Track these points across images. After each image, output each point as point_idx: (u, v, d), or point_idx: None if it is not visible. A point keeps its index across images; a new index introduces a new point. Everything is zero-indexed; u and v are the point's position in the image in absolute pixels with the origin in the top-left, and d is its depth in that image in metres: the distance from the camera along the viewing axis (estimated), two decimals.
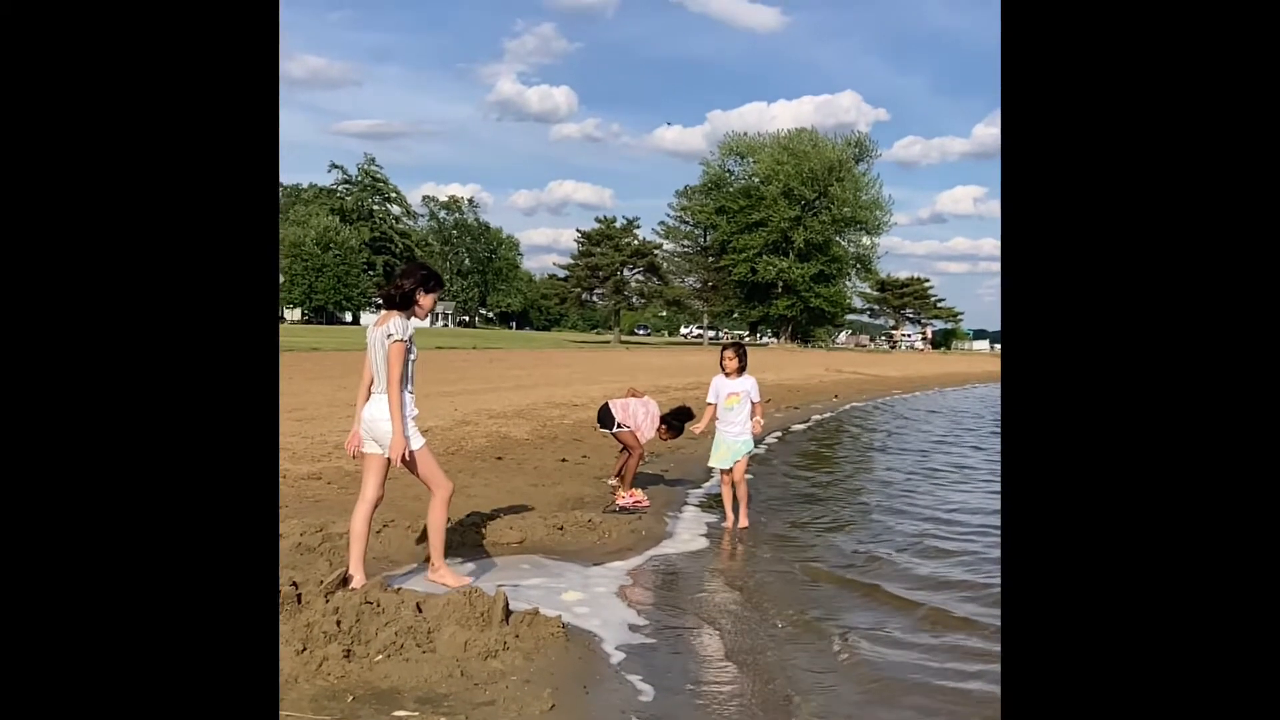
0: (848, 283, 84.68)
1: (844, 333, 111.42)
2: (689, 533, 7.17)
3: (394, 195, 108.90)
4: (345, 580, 4.58)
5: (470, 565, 5.61)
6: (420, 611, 4.13)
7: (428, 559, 5.70)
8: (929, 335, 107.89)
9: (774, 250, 76.89)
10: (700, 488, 9.18)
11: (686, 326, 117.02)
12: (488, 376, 23.51)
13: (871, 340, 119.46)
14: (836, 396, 24.91)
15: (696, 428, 7.97)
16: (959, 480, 10.68)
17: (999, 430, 1.97)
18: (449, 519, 5.41)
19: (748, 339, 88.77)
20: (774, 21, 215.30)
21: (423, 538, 6.06)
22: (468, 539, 6.24)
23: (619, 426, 8.08)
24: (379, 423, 4.78)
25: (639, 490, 8.11)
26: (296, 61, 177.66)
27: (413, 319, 4.90)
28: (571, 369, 29.23)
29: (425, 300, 4.92)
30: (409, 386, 4.84)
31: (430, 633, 4.02)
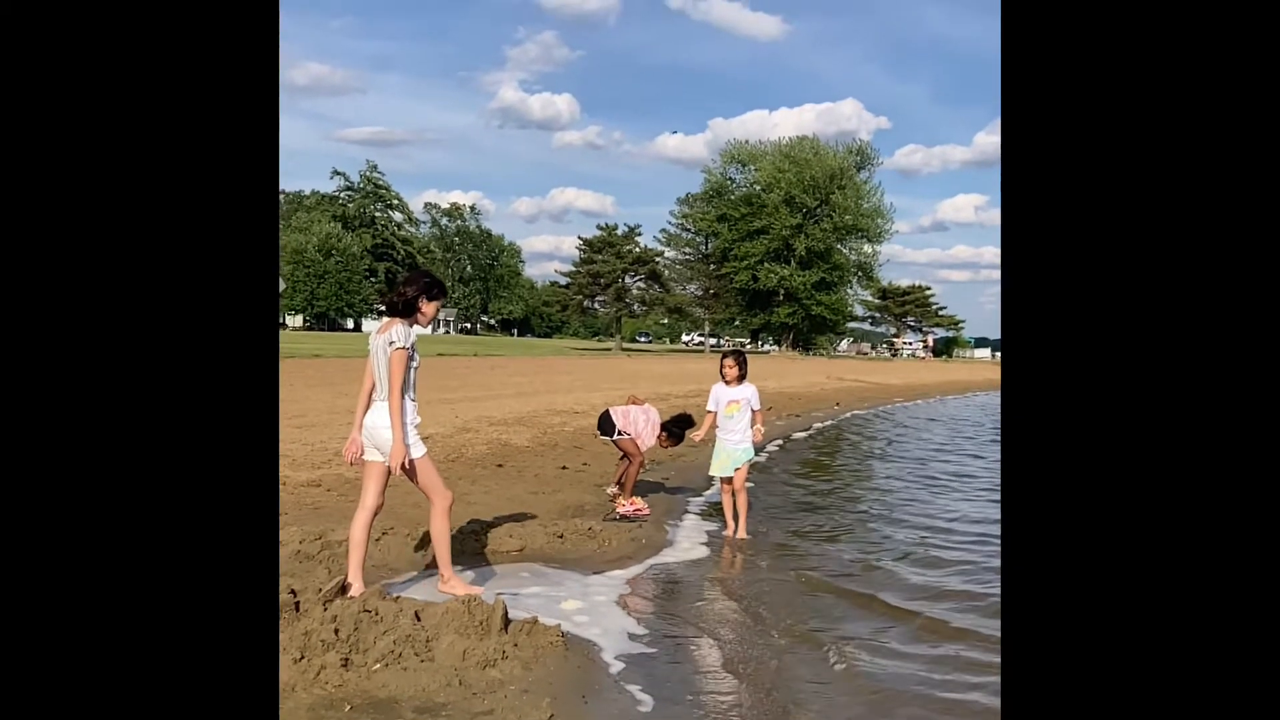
0: (849, 290, 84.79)
1: (845, 340, 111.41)
2: (689, 541, 7.15)
3: (396, 202, 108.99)
4: (344, 588, 4.57)
5: (470, 573, 5.59)
6: (419, 620, 4.11)
7: (427, 566, 5.70)
8: (930, 343, 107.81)
9: (775, 258, 76.93)
10: (701, 496, 9.16)
11: (688, 334, 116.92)
12: (489, 383, 23.50)
13: (873, 348, 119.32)
14: (838, 404, 24.88)
15: (697, 435, 7.96)
16: (958, 489, 10.66)
17: (998, 438, 1.96)
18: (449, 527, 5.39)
19: (749, 346, 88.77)
20: (775, 30, 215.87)
21: (421, 545, 6.05)
22: (467, 547, 6.22)
23: (619, 434, 8.06)
24: (380, 430, 4.76)
25: (639, 498, 8.09)
26: (299, 69, 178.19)
27: (415, 326, 4.89)
28: (573, 376, 29.21)
29: (428, 308, 4.92)
30: (411, 394, 4.83)
31: (429, 641, 4.00)
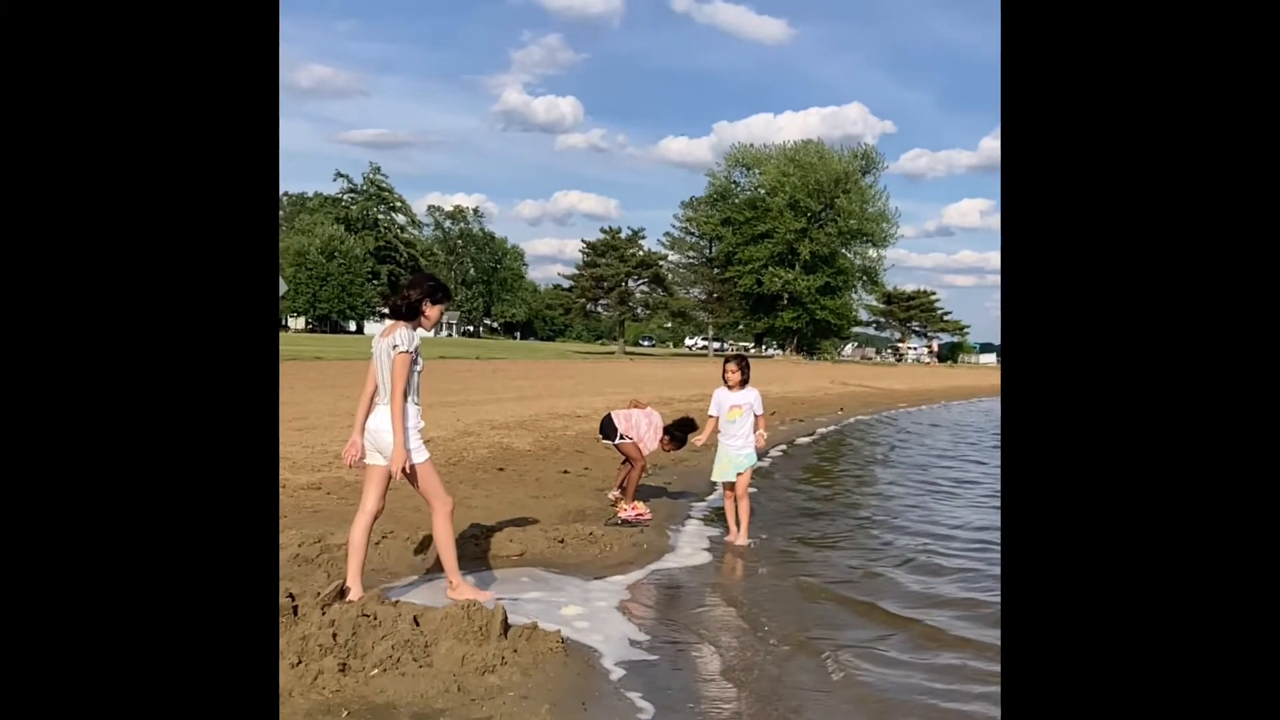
0: (854, 295, 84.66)
1: (850, 345, 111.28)
2: (691, 547, 7.12)
3: (399, 205, 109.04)
4: (342, 592, 4.55)
5: (470, 578, 5.56)
6: (417, 625, 4.09)
7: (428, 571, 5.68)
8: (935, 348, 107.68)
9: (780, 262, 76.83)
10: (703, 501, 9.13)
11: (691, 338, 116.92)
12: (491, 387, 23.50)
13: (877, 353, 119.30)
14: (842, 409, 24.86)
15: (698, 440, 7.93)
16: (960, 495, 10.63)
17: (999, 444, 1.94)
18: None
19: (752, 351, 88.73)
20: (781, 33, 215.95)
21: (420, 549, 6.03)
22: (467, 551, 6.19)
23: (621, 438, 8.04)
24: (383, 434, 4.75)
25: (641, 503, 8.07)
26: (303, 71, 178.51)
27: (419, 330, 4.88)
28: (575, 380, 29.21)
29: (432, 311, 4.90)
30: (415, 398, 4.81)
31: (427, 646, 3.98)
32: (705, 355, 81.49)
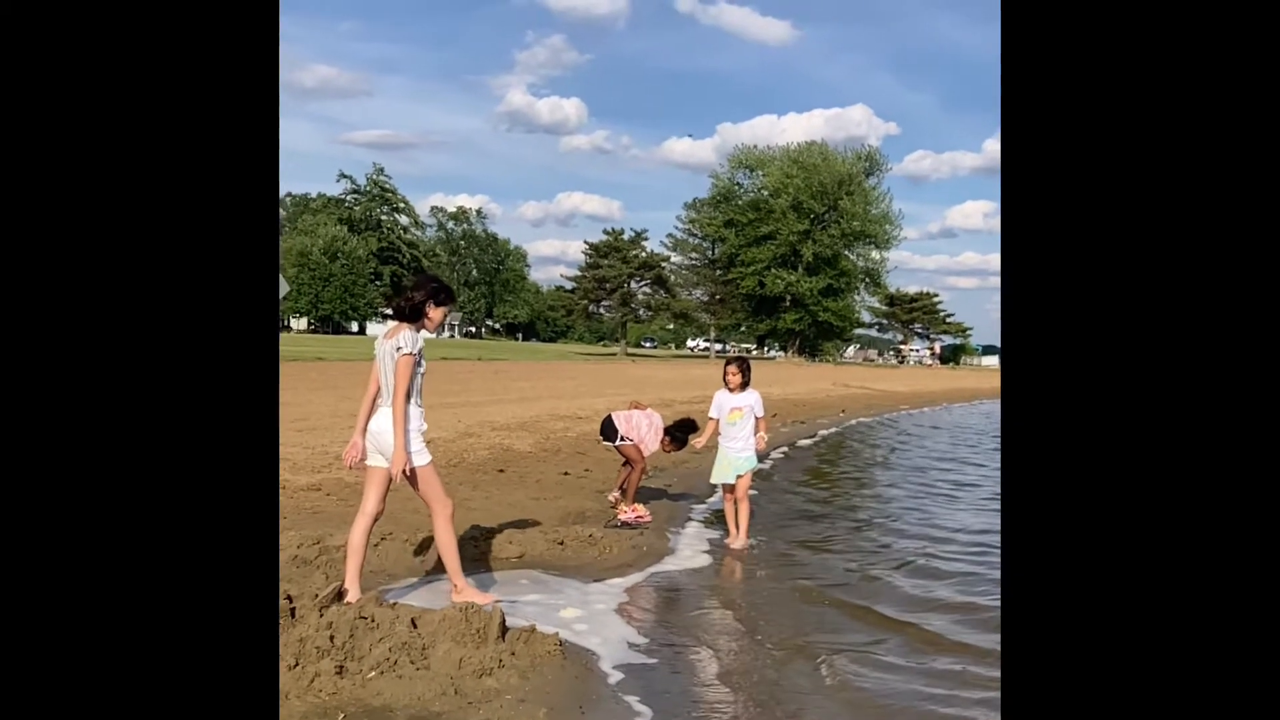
0: (856, 297, 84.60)
1: (852, 347, 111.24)
2: (691, 549, 7.10)
3: (402, 205, 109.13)
4: (340, 594, 4.54)
5: (469, 580, 5.55)
6: (415, 627, 4.08)
7: (427, 573, 5.67)
8: (938, 350, 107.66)
9: (782, 264, 76.82)
10: (704, 503, 9.12)
11: (693, 339, 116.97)
12: (492, 388, 23.50)
13: (880, 355, 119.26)
14: (843, 411, 24.84)
15: (698, 442, 7.91)
16: (960, 498, 10.61)
17: (999, 446, 1.93)
18: None
19: (754, 352, 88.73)
20: (785, 35, 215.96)
21: (420, 550, 6.02)
22: (466, 553, 6.18)
23: (622, 439, 8.03)
24: (384, 435, 4.73)
25: (641, 505, 8.05)
26: (306, 71, 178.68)
27: (422, 331, 4.86)
28: (577, 381, 29.21)
29: (435, 313, 4.89)
30: (418, 400, 4.80)
31: (425, 649, 3.97)
32: (707, 357, 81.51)
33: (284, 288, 15.50)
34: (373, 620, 4.05)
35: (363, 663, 3.83)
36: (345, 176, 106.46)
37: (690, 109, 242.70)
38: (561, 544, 6.54)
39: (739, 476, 7.25)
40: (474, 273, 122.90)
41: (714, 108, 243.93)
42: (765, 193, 78.66)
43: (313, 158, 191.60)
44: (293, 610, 4.05)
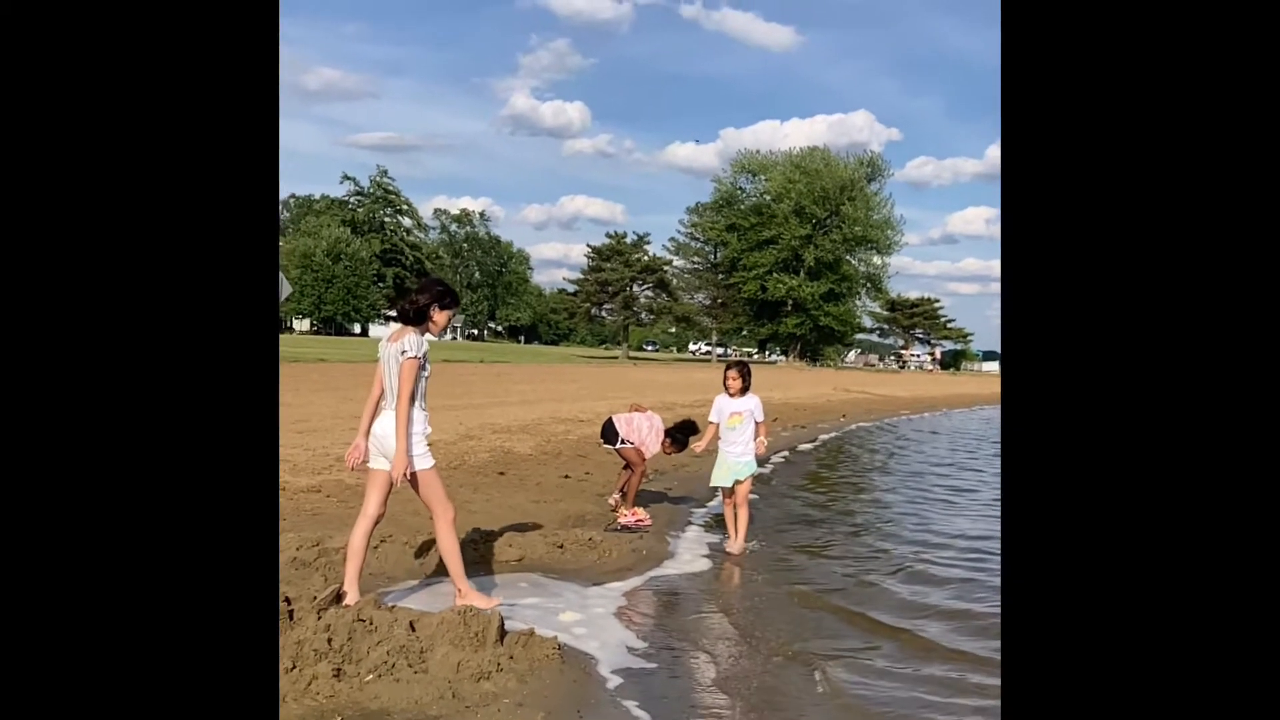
0: (857, 302, 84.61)
1: (853, 352, 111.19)
2: (690, 553, 7.09)
3: (405, 208, 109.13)
4: (339, 597, 4.53)
5: (472, 584, 5.54)
6: (413, 630, 4.07)
7: (427, 576, 5.66)
8: (938, 356, 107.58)
9: (784, 268, 76.84)
10: (704, 507, 9.11)
11: (695, 343, 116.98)
12: (493, 390, 23.50)
13: (880, 360, 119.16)
14: (844, 416, 24.82)
15: (698, 447, 7.88)
16: (958, 503, 10.60)
17: (999, 452, 1.93)
18: None
19: (756, 356, 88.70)
20: (788, 40, 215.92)
21: (420, 553, 6.01)
22: (466, 555, 6.15)
23: (623, 442, 8.02)
24: (388, 438, 4.72)
25: (641, 509, 8.05)
26: (311, 74, 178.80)
27: (426, 334, 4.85)
28: (578, 384, 29.21)
29: (439, 317, 4.87)
30: (422, 404, 4.78)
31: (423, 652, 3.96)
32: (709, 360, 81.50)
33: (287, 289, 15.49)
34: (371, 623, 4.04)
35: (360, 666, 3.82)
36: (349, 178, 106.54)
37: (693, 114, 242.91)
38: (561, 547, 6.53)
39: (739, 482, 7.23)
40: (476, 275, 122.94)
41: (717, 112, 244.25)
42: (767, 197, 78.68)
43: (316, 160, 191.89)
44: (291, 612, 4.04)
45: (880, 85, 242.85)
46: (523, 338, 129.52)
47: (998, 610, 5.49)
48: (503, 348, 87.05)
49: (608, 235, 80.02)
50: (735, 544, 7.21)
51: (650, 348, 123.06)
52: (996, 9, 1.94)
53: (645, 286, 79.56)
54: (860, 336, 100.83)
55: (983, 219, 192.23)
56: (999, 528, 2.04)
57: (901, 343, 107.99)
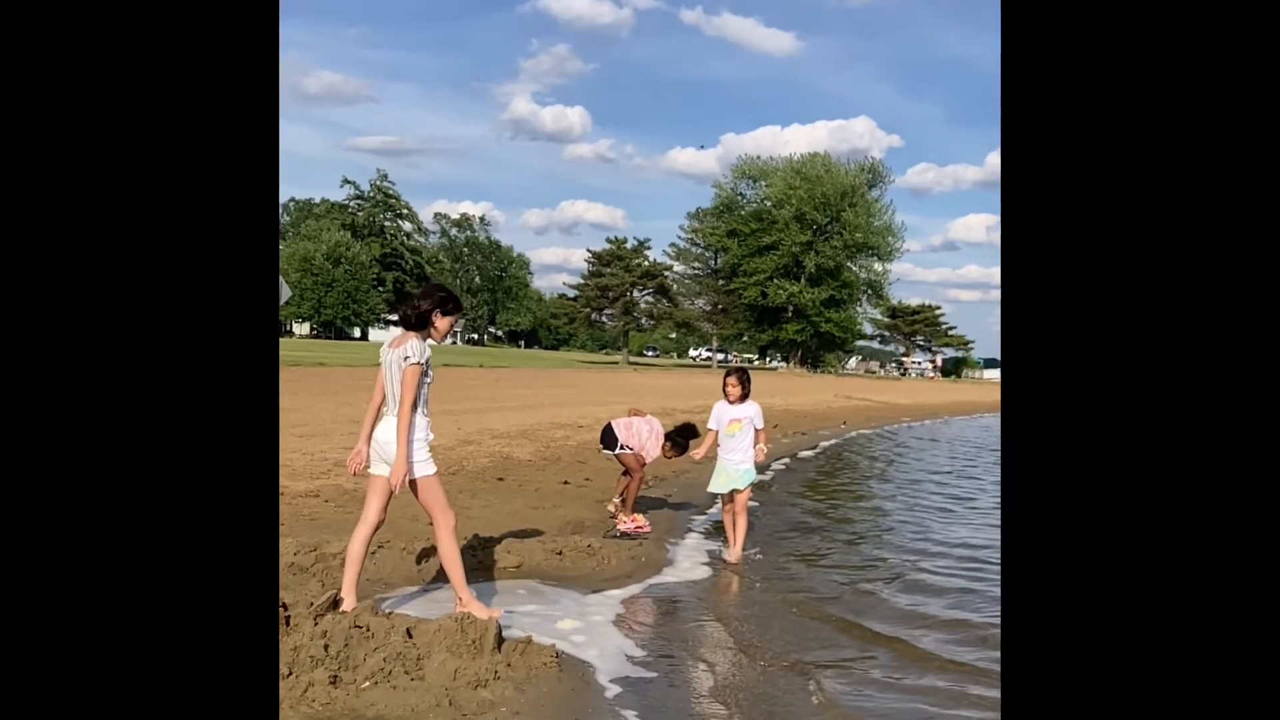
0: (858, 308, 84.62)
1: (854, 359, 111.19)
2: (689, 561, 7.07)
3: (406, 212, 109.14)
4: (336, 603, 4.50)
5: (473, 593, 5.52)
6: (410, 637, 4.05)
7: (423, 582, 5.64)
8: (939, 363, 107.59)
9: (785, 274, 76.85)
10: (704, 514, 9.09)
11: (695, 349, 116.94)
12: (493, 395, 23.48)
13: (881, 367, 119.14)
14: (845, 423, 24.80)
15: (697, 454, 7.84)
16: (954, 512, 10.58)
17: (997, 460, 1.91)
18: None
19: (756, 363, 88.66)
20: (789, 46, 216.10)
21: (419, 560, 5.99)
22: (464, 562, 6.12)
23: (622, 447, 8.00)
24: (390, 445, 4.70)
25: (640, 515, 8.03)
26: (312, 77, 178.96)
27: (428, 340, 4.84)
28: (578, 389, 29.20)
29: (442, 323, 4.86)
30: (424, 409, 4.77)
31: (420, 660, 3.94)
32: (709, 366, 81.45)
33: (286, 293, 15.50)
34: (368, 630, 4.02)
35: (357, 673, 3.80)
36: (349, 182, 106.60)
37: (694, 119, 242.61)
38: (560, 554, 6.51)
39: (737, 490, 7.20)
40: (477, 280, 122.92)
41: (718, 118, 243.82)
42: (768, 203, 78.75)
43: (317, 163, 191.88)
44: (287, 618, 4.03)
45: (881, 91, 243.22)
46: (523, 343, 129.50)
47: (995, 620, 5.47)
48: (503, 352, 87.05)
49: (608, 240, 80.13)
50: (733, 552, 7.19)
51: (651, 353, 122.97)
52: (997, 15, 1.93)
53: (646, 292, 79.56)
54: (861, 343, 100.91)
55: (984, 226, 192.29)
56: (997, 536, 2.03)
57: (902, 350, 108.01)
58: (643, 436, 8.04)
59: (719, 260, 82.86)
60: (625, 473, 8.16)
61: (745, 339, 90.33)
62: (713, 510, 9.01)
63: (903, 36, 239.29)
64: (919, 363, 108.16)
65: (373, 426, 4.84)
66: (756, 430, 7.26)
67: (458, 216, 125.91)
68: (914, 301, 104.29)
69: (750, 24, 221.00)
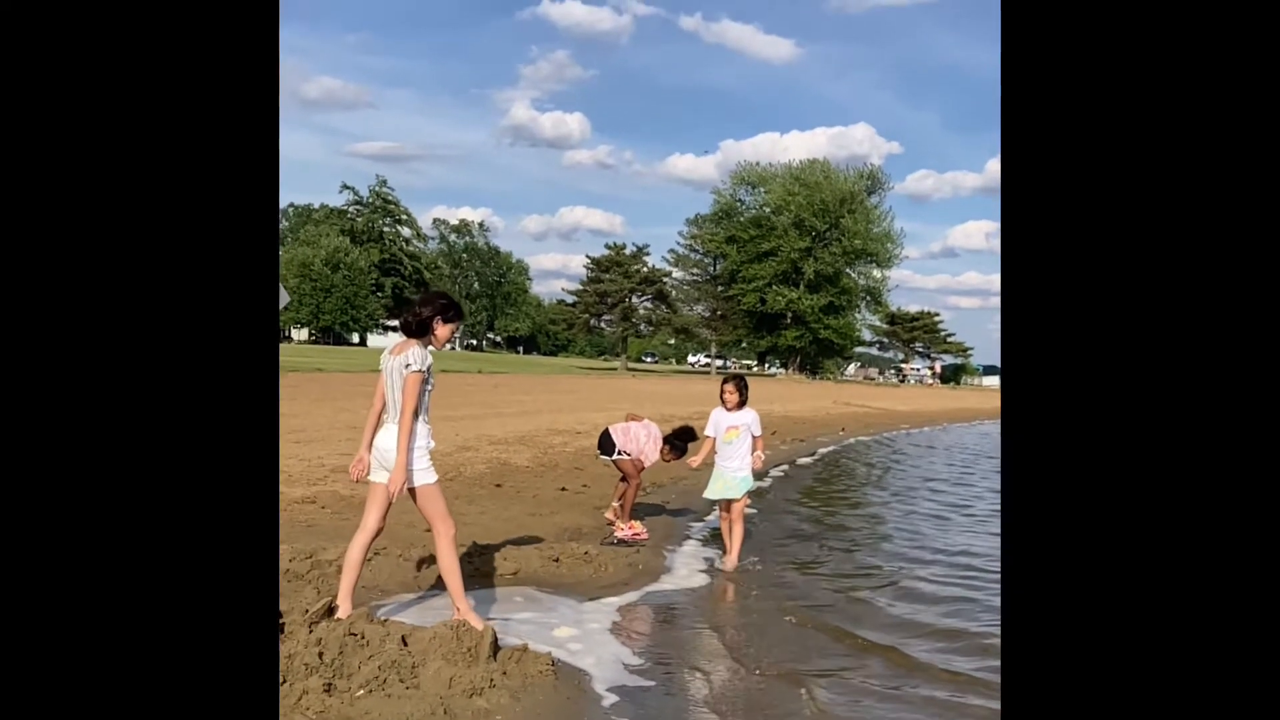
0: (857, 315, 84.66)
1: (853, 365, 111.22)
2: (687, 568, 7.05)
3: (405, 217, 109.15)
4: (331, 610, 4.48)
5: (471, 603, 5.50)
6: (405, 645, 4.03)
7: (419, 589, 5.61)
8: (938, 370, 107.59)
9: (784, 280, 76.87)
10: (702, 520, 9.06)
11: (694, 355, 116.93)
12: (492, 401, 23.46)
13: (880, 373, 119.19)
14: (843, 430, 24.79)
15: (694, 462, 7.79)
16: (952, 519, 10.55)
17: (997, 467, 1.91)
18: None
19: (755, 369, 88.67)
20: (789, 53, 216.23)
21: (414, 567, 5.97)
22: (461, 569, 6.12)
23: (619, 453, 7.98)
24: (392, 453, 4.67)
25: (638, 522, 8.00)
26: (312, 83, 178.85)
27: (428, 347, 4.81)
28: (576, 395, 29.18)
29: (442, 330, 4.83)
30: (425, 417, 4.74)
31: (415, 668, 3.92)
32: (708, 373, 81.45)
33: (285, 298, 15.50)
34: (362, 637, 4.00)
35: (351, 680, 3.78)
36: (348, 188, 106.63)
37: (693, 125, 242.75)
38: (557, 561, 6.48)
39: (733, 499, 7.18)
40: (475, 285, 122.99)
41: (717, 124, 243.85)
42: (767, 210, 78.80)
43: (316, 168, 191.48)
44: (281, 626, 4.01)
45: (880, 98, 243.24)
46: (521, 349, 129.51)
47: (991, 629, 5.45)
48: (501, 358, 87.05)
49: (607, 246, 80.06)
50: (729, 561, 7.16)
51: (649, 359, 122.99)
52: (996, 23, 1.92)
53: (644, 298, 79.55)
54: (860, 350, 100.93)
55: (983, 233, 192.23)
56: (993, 544, 2.01)
57: (901, 356, 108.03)
58: (640, 441, 8.02)
59: (718, 266, 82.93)
60: (623, 479, 8.14)
61: (744, 345, 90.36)
62: (710, 517, 8.99)
63: (902, 43, 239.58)
64: (918, 369, 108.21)
65: (373, 434, 4.82)
66: (754, 437, 7.24)
67: (457, 222, 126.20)
68: (913, 308, 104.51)
69: (750, 31, 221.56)
